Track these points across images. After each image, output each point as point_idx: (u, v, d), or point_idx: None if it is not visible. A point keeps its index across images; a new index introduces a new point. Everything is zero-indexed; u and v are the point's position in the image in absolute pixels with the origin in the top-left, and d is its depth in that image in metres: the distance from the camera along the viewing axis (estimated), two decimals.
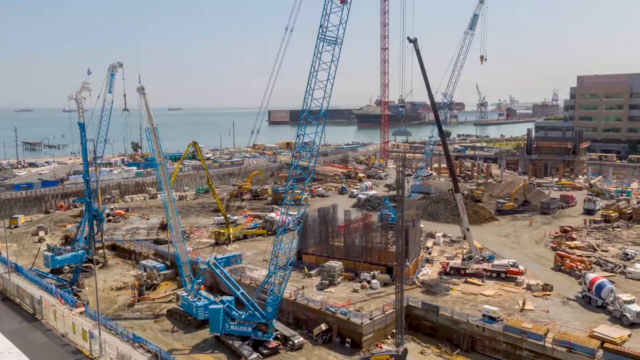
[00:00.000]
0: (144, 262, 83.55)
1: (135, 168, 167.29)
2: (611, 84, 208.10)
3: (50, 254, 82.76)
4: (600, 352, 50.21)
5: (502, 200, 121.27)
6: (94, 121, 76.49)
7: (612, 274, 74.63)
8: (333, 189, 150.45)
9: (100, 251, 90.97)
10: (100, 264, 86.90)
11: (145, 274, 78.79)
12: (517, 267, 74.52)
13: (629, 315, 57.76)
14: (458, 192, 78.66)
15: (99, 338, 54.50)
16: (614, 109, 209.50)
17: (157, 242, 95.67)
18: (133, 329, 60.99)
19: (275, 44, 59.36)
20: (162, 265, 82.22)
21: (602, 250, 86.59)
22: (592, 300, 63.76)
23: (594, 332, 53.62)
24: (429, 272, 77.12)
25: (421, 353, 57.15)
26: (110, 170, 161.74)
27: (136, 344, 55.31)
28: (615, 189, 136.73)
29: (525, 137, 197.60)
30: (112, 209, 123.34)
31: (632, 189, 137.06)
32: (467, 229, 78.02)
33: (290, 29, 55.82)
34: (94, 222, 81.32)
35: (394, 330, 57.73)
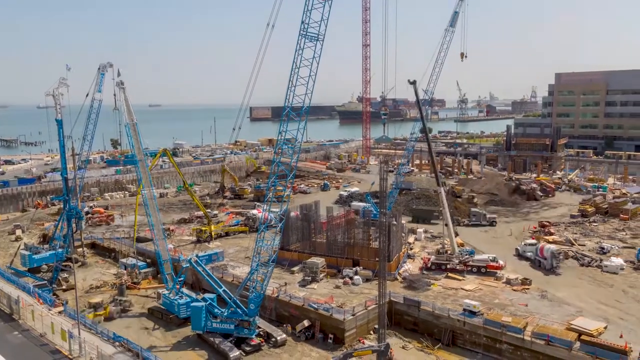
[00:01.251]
0: (124, 260, 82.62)
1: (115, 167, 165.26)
2: (588, 82, 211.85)
3: (27, 252, 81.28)
4: (578, 344, 51.29)
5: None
6: (71, 118, 75.42)
7: (589, 267, 76.41)
8: (315, 185, 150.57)
9: (80, 249, 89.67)
10: (80, 263, 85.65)
11: (125, 272, 77.92)
12: (497, 261, 75.59)
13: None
14: (440, 186, 79.47)
15: (78, 337, 53.74)
16: (591, 106, 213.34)
17: (138, 239, 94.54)
18: (115, 328, 60.33)
19: (257, 40, 58.92)
20: (143, 263, 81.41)
21: (579, 245, 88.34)
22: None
23: (572, 324, 54.73)
24: (410, 268, 77.73)
25: (403, 348, 57.66)
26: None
27: (117, 343, 54.69)
28: (591, 184, 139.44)
29: (505, 133, 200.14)
30: (91, 207, 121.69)
31: (607, 184, 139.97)
32: (446, 224, 78.76)
33: (272, 25, 55.54)
34: (73, 220, 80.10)
35: (376, 326, 58.12)
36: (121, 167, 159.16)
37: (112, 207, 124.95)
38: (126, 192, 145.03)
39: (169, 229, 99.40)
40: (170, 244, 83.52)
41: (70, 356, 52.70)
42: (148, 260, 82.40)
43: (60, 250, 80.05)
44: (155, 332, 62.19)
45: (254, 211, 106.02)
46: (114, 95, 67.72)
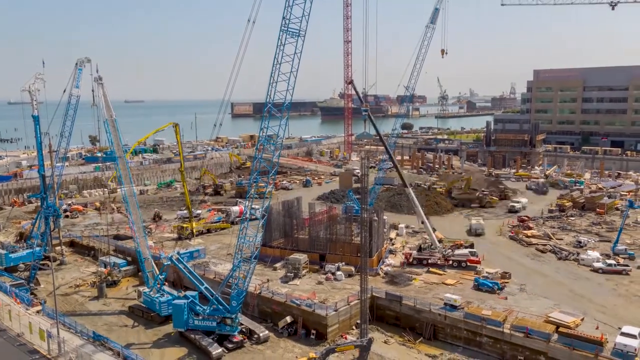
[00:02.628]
0: (103, 258, 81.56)
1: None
2: (565, 78, 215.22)
3: (4, 251, 79.72)
4: (555, 336, 52.32)
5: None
6: (48, 113, 74.09)
7: (567, 260, 77.87)
8: (297, 181, 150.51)
9: (58, 248, 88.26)
10: (58, 261, 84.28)
11: (105, 270, 76.95)
12: (476, 255, 76.57)
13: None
14: (407, 187, 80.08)
15: (57, 337, 52.95)
16: (568, 102, 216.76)
17: (118, 237, 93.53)
18: (96, 327, 59.60)
19: (238, 36, 58.49)
20: (123, 261, 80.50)
21: (557, 239, 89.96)
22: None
23: (550, 317, 55.75)
24: (392, 263, 78.26)
25: (385, 342, 58.09)
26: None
27: (97, 342, 54.04)
28: (568, 179, 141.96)
29: (485, 129, 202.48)
30: (69, 205, 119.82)
31: (584, 179, 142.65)
32: (422, 222, 79.36)
33: (253, 20, 55.23)
34: (51, 218, 78.73)
35: (358, 321, 58.43)
36: (100, 164, 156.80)
37: (91, 205, 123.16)
38: (106, 189, 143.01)
39: (149, 226, 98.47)
40: (151, 242, 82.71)
41: (49, 356, 51.92)
42: (128, 259, 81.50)
43: (38, 249, 78.64)
44: (137, 330, 61.61)
45: (235, 208, 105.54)
46: (92, 91, 66.69)
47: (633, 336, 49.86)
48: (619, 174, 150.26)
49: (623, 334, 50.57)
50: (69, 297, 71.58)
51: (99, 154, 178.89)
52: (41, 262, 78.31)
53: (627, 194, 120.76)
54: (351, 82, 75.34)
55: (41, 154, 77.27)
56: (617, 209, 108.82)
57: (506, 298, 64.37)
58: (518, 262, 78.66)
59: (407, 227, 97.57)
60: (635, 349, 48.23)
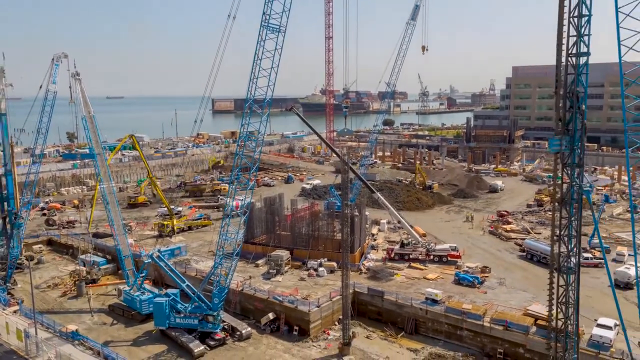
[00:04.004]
0: (82, 256, 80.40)
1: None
2: (543, 75, 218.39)
3: None
4: (534, 328, 53.30)
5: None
6: (16, 109, 72.41)
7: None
8: (279, 178, 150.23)
9: (36, 247, 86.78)
10: (36, 260, 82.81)
11: (84, 269, 75.88)
12: (457, 250, 77.46)
13: None
14: (374, 192, 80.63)
15: (35, 337, 52.15)
16: (546, 99, 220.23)
17: (97, 235, 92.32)
18: (78, 328, 58.75)
19: (219, 31, 58.19)
20: (103, 259, 79.49)
21: (535, 233, 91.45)
22: None
23: (528, 310, 56.74)
24: (374, 259, 78.72)
25: (367, 337, 58.48)
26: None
27: (76, 342, 53.36)
28: (546, 174, 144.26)
29: (465, 125, 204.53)
30: (46, 203, 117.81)
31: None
32: (399, 221, 79.87)
33: (233, 16, 54.90)
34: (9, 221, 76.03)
35: (340, 317, 58.70)
36: (78, 161, 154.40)
37: (69, 203, 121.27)
38: (84, 187, 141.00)
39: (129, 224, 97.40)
40: (131, 239, 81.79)
41: (26, 356, 51.13)
42: (108, 257, 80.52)
43: (15, 248, 77.00)
44: (117, 329, 60.97)
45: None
46: (69, 87, 65.56)
47: (608, 327, 51.04)
48: (595, 169, 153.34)
49: (599, 325, 51.73)
50: (48, 296, 70.47)
51: (77, 151, 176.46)
52: (17, 262, 76.79)
53: (603, 188, 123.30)
54: (292, 108, 75.37)
55: (5, 152, 75.47)
56: (593, 203, 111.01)
57: (486, 292, 65.32)
58: (497, 257, 79.81)
59: (388, 222, 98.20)
60: (611, 340, 49.38)
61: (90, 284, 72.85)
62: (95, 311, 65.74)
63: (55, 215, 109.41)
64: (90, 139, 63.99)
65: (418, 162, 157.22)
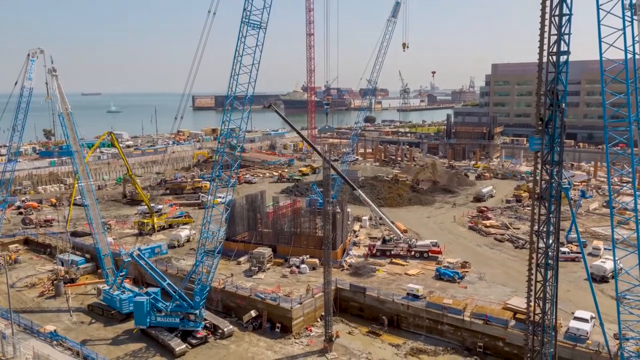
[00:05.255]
0: (61, 256, 79.06)
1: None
2: (521, 72, 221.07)
3: None
4: (513, 322, 54.13)
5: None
6: None
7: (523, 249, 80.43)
8: (260, 175, 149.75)
9: (12, 246, 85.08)
10: (11, 260, 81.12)
11: (62, 268, 74.67)
12: (438, 246, 78.20)
13: None
14: (356, 189, 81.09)
15: (12, 338, 51.17)
16: (525, 96, 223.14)
17: (75, 234, 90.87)
18: (56, 328, 57.80)
19: (199, 25, 57.42)
20: (82, 258, 78.30)
21: (514, 228, 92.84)
22: None
23: (507, 304, 57.61)
24: (356, 255, 79.02)
25: (349, 333, 58.73)
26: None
27: (54, 342, 52.52)
28: (525, 170, 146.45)
29: (445, 122, 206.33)
30: (23, 201, 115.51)
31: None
32: (380, 218, 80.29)
33: (213, 12, 54.38)
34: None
35: (323, 313, 58.82)
36: (56, 159, 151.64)
37: (46, 201, 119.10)
38: (62, 185, 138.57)
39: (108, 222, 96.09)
40: (110, 238, 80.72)
41: (3, 357, 50.10)
42: (87, 256, 79.34)
43: None
44: (96, 328, 60.14)
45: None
46: (46, 83, 64.28)
47: (585, 320, 52.13)
48: (572, 165, 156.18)
49: (576, 318, 52.81)
50: (25, 296, 69.17)
51: (54, 148, 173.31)
52: None
53: (580, 184, 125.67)
54: (270, 106, 75.22)
55: None
56: (570, 198, 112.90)
57: (466, 287, 66.12)
58: (477, 252, 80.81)
59: (370, 219, 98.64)
60: (587, 332, 50.47)
61: (69, 284, 71.71)
62: (74, 310, 64.75)
63: (32, 214, 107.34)
64: (67, 136, 62.87)
65: (431, 159, 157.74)
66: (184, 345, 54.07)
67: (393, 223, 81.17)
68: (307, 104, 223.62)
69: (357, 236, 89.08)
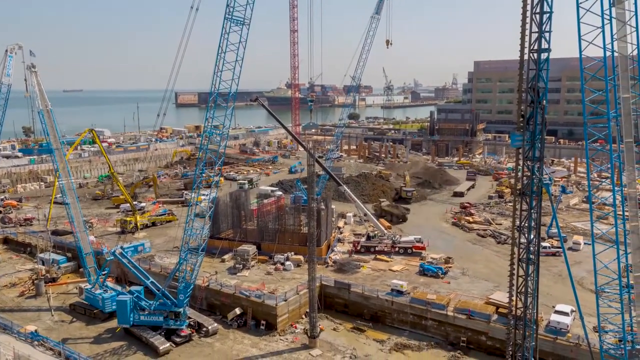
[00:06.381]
0: (41, 255, 77.86)
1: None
2: (503, 69, 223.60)
3: None
4: (495, 316, 54.85)
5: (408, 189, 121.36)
6: None
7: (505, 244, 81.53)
8: (245, 172, 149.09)
9: None
10: None
11: (43, 267, 73.55)
12: (421, 242, 78.78)
13: None
14: (341, 185, 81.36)
15: None
16: (506, 93, 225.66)
17: (56, 233, 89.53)
18: (37, 328, 57.01)
19: (182, 21, 56.79)
20: (63, 257, 77.23)
21: (496, 224, 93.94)
22: None
23: (490, 299, 58.33)
24: (341, 252, 79.23)
25: (334, 330, 58.93)
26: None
27: (35, 342, 51.78)
28: (507, 166, 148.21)
29: (429, 119, 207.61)
30: (1, 200, 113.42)
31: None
32: (365, 214, 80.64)
33: (196, 8, 53.91)
34: None
35: (308, 310, 58.91)
36: (36, 157, 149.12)
37: (26, 199, 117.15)
38: (42, 183, 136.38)
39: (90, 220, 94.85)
40: (92, 236, 79.72)
41: None
42: (68, 254, 78.27)
43: None
44: (78, 328, 59.43)
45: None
46: (25, 80, 63.15)
47: (565, 314, 53.03)
48: (552, 161, 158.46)
49: (557, 312, 53.67)
50: (4, 296, 68.04)
51: (34, 146, 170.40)
52: None
53: (560, 180, 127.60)
54: (257, 99, 74.83)
55: None
56: (551, 194, 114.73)
57: (449, 282, 66.75)
58: (460, 247, 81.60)
59: (354, 215, 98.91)
60: (568, 326, 51.38)
61: (50, 283, 70.71)
62: (55, 309, 63.87)
63: (12, 212, 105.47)
64: (47, 133, 61.85)
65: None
66: (167, 344, 53.73)
67: (378, 219, 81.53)
68: (291, 101, 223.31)
69: (341, 233, 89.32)
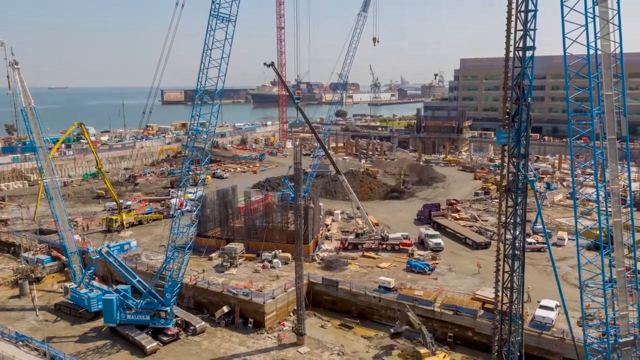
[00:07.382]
0: (26, 254, 76.84)
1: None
2: (489, 67, 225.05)
3: None
4: (482, 312, 55.38)
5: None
6: None
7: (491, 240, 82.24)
8: (232, 170, 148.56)
9: None
10: None
11: (28, 267, 72.60)
12: (409, 239, 79.18)
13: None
14: (340, 174, 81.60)
15: None
16: (492, 90, 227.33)
17: (41, 232, 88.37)
18: (19, 326, 56.28)
19: (168, 18, 56.29)
20: (48, 257, 76.30)
21: (482, 220, 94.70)
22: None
23: (476, 294, 58.85)
24: (328, 249, 79.32)
25: (322, 327, 59.03)
26: None
27: (20, 343, 51.13)
28: (492, 163, 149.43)
29: (415, 116, 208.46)
30: None
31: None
32: (358, 207, 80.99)
33: (182, 4, 53.41)
34: None
35: (295, 307, 58.93)
36: (19, 155, 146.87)
37: (10, 198, 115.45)
38: (26, 182, 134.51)
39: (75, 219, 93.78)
40: (77, 235, 78.87)
41: None
42: (53, 254, 77.30)
43: None
44: (64, 327, 58.82)
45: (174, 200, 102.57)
46: (7, 77, 62.05)
47: (550, 309, 53.70)
48: (537, 157, 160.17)
49: (541, 307, 54.32)
50: None
51: (17, 144, 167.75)
52: None
53: (545, 176, 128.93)
54: (272, 65, 74.26)
55: None
56: (536, 190, 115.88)
57: (436, 278, 67.20)
58: (447, 244, 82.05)
59: (342, 213, 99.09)
60: (552, 320, 52.03)
61: (34, 282, 69.85)
62: (39, 309, 63.13)
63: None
64: (31, 131, 60.97)
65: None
66: (155, 343, 53.43)
67: (367, 215, 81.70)
68: (278, 99, 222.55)
69: (329, 230, 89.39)
